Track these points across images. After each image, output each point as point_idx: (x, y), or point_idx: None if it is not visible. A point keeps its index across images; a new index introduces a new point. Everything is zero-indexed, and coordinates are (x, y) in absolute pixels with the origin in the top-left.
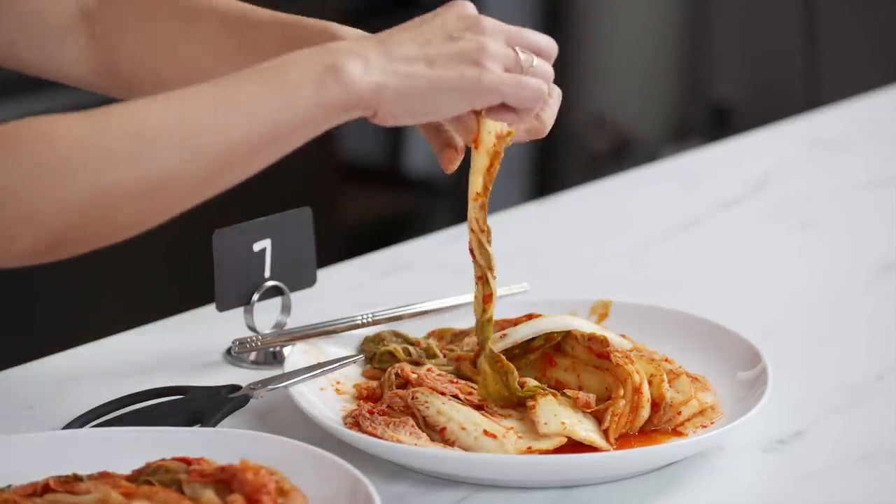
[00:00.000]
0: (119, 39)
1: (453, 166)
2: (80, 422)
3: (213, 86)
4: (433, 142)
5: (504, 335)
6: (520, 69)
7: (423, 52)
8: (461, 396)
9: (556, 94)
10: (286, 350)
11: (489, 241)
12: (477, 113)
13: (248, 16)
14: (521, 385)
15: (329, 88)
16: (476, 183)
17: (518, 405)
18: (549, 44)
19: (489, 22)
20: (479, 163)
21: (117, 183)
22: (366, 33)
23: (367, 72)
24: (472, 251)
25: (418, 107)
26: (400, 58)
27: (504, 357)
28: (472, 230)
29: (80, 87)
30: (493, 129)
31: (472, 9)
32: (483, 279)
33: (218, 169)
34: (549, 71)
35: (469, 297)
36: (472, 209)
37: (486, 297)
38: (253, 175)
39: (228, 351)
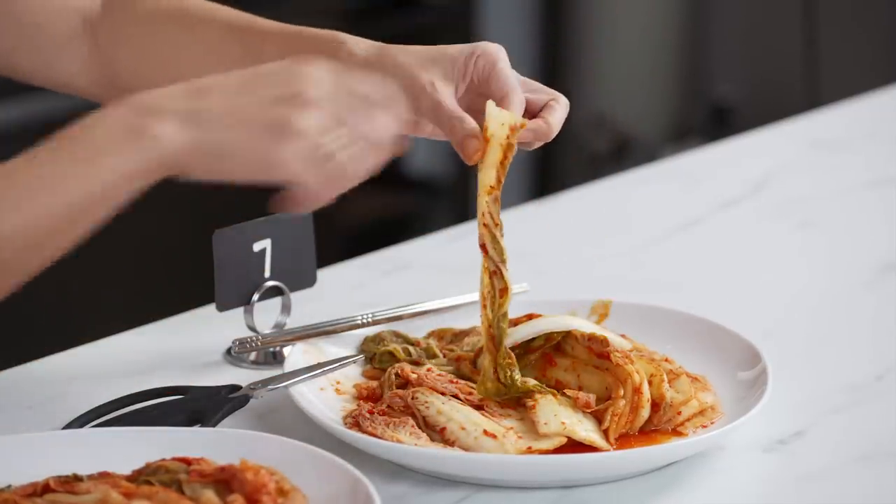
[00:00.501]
0: (120, 49)
1: (478, 156)
2: (80, 422)
3: (22, 164)
4: (454, 136)
5: None
6: (323, 156)
7: (233, 112)
8: (461, 396)
9: (564, 103)
10: (286, 350)
11: (502, 235)
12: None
13: (252, 24)
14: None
15: (134, 157)
16: (489, 176)
17: (518, 405)
18: (386, 127)
19: (321, 91)
20: (493, 156)
21: None
22: (370, 42)
23: (173, 135)
24: (483, 246)
25: (217, 170)
26: (208, 117)
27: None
28: (484, 224)
29: (82, 96)
30: (505, 120)
31: (305, 76)
32: (497, 273)
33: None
34: (363, 157)
35: (469, 297)
36: (485, 203)
37: (501, 292)
38: None
39: (228, 351)
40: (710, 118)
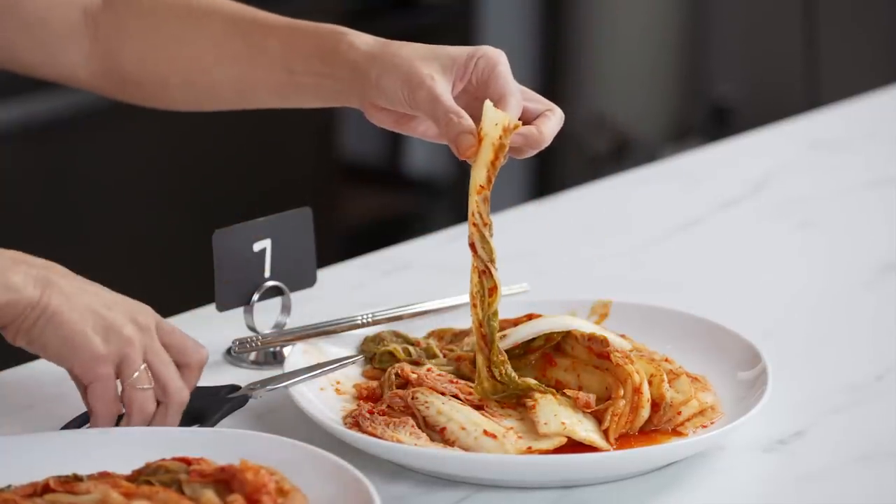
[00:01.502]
0: (123, 42)
1: (471, 152)
2: (78, 421)
3: None
4: (450, 132)
5: (504, 335)
6: (126, 379)
7: (78, 297)
8: (461, 396)
9: (559, 114)
10: (286, 350)
11: (491, 234)
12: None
13: (255, 18)
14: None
15: None
16: (480, 175)
17: (518, 405)
18: (194, 356)
19: (150, 327)
20: (485, 155)
21: None
22: (372, 36)
23: (26, 286)
24: (472, 245)
25: (37, 335)
26: (56, 286)
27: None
28: (473, 224)
29: (85, 89)
30: (499, 120)
31: (148, 315)
32: (486, 273)
33: None
34: (147, 406)
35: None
36: (475, 202)
37: (490, 291)
38: (253, 174)
39: (228, 351)
40: (710, 118)
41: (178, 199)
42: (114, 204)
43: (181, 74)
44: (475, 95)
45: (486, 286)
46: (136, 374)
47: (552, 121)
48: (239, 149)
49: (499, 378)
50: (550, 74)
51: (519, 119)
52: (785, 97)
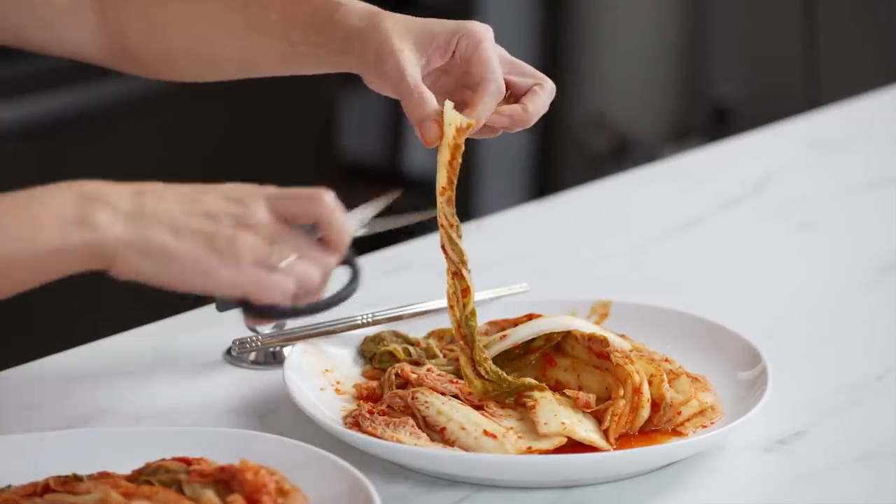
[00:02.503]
0: (127, 17)
1: (435, 141)
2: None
3: None
4: (413, 114)
5: (504, 336)
6: (268, 266)
7: (176, 220)
8: (461, 396)
9: (549, 88)
10: (286, 350)
11: (460, 236)
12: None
13: None
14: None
15: (71, 235)
16: (441, 177)
17: (518, 405)
18: (337, 236)
19: (260, 216)
20: (442, 156)
21: None
22: (366, 5)
23: (113, 225)
24: (443, 247)
25: (150, 271)
26: (151, 218)
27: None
28: (441, 226)
29: (94, 63)
30: (453, 121)
31: (251, 198)
32: (458, 274)
33: None
34: (309, 273)
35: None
36: (440, 204)
37: (463, 292)
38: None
39: (228, 351)
40: (710, 118)
41: None
42: None
43: (185, 49)
44: (458, 74)
45: (459, 287)
46: (276, 259)
47: (540, 97)
48: (239, 148)
49: (485, 376)
50: (550, 74)
51: (508, 92)
52: (785, 97)
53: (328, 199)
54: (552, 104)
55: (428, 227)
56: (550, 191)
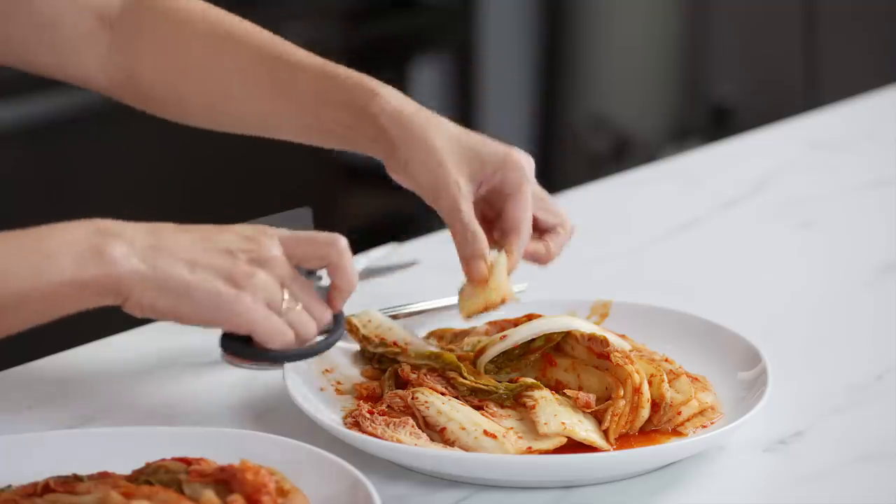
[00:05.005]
0: (140, 55)
1: (482, 281)
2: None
3: None
4: (463, 250)
5: (504, 336)
6: (279, 310)
7: (192, 255)
8: (461, 396)
9: (570, 229)
10: None
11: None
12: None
13: (285, 54)
14: (515, 381)
15: (87, 268)
16: (469, 307)
17: (518, 405)
18: (346, 283)
19: (276, 256)
20: (479, 300)
21: None
22: (403, 97)
23: (129, 258)
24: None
25: (165, 305)
26: (167, 252)
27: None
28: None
29: (103, 93)
30: (502, 290)
31: (266, 237)
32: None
33: None
34: (306, 323)
35: None
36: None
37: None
38: (253, 173)
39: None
40: (710, 118)
41: (178, 200)
42: (114, 204)
43: (202, 98)
44: (489, 198)
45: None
46: (284, 303)
47: (561, 238)
48: (239, 149)
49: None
50: (550, 74)
51: (535, 232)
52: (785, 97)
53: (342, 245)
54: (552, 104)
55: (428, 227)
56: (550, 191)
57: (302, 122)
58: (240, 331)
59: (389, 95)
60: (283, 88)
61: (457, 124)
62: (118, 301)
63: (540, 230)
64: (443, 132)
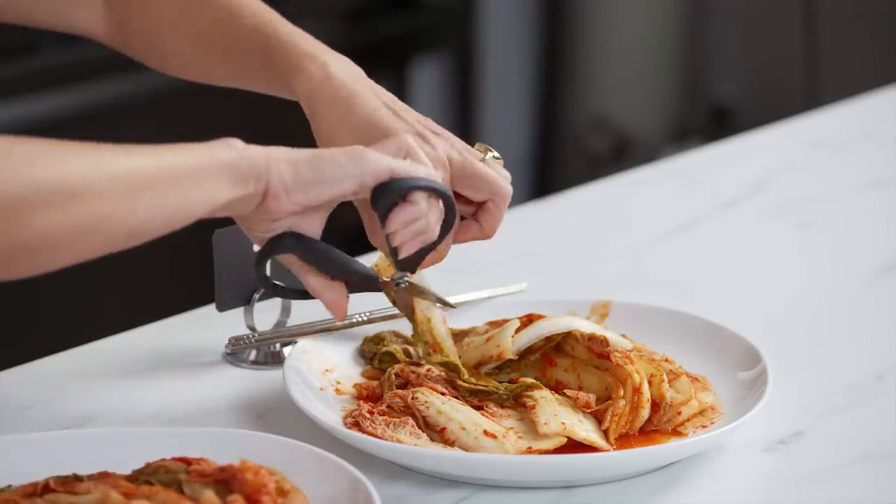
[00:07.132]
0: (128, 15)
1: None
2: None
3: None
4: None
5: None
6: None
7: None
8: (461, 397)
9: (503, 197)
10: (286, 350)
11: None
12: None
13: (235, 23)
14: (514, 381)
15: (218, 154)
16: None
17: (518, 405)
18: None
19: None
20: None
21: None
22: (327, 65)
23: (258, 148)
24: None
25: (307, 179)
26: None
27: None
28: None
29: (105, 44)
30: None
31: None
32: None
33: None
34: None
35: (469, 297)
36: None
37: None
38: None
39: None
40: (710, 118)
41: None
42: None
43: (177, 59)
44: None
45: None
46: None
47: (494, 214)
48: None
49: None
50: (550, 74)
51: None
52: (785, 97)
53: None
54: (552, 104)
55: None
56: (550, 191)
57: (258, 85)
58: (383, 177)
59: (312, 71)
60: (234, 56)
61: (372, 103)
62: (256, 188)
63: (471, 206)
64: (348, 124)
